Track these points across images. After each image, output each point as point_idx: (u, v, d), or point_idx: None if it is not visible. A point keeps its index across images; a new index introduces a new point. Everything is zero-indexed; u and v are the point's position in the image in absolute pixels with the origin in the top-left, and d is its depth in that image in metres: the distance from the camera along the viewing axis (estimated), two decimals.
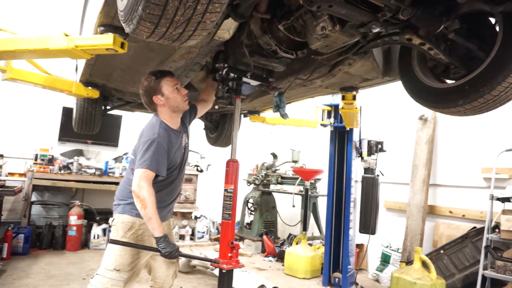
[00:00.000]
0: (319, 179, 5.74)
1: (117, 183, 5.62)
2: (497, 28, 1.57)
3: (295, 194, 5.43)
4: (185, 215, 6.06)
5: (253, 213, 6.30)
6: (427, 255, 3.83)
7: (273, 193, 6.32)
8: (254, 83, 2.39)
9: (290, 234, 5.94)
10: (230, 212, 2.35)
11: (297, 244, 4.94)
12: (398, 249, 4.63)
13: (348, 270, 4.17)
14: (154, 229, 1.87)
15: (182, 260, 4.17)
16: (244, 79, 2.29)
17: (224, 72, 2.19)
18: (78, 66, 3.15)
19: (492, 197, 3.51)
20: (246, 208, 6.43)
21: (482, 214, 3.97)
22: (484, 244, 3.46)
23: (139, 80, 2.69)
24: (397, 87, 2.42)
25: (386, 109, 5.20)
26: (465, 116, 1.80)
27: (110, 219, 2.12)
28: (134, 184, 1.86)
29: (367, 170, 4.13)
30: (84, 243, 5.27)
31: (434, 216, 4.53)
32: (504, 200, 3.39)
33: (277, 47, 1.88)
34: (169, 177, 2.09)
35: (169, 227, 2.34)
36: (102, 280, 1.96)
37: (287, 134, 6.85)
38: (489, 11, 1.51)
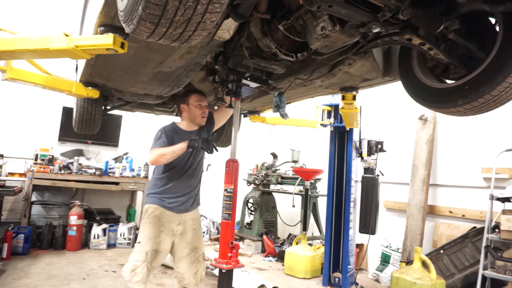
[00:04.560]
0: (319, 179, 5.74)
1: (117, 183, 5.63)
2: (497, 28, 1.57)
3: (295, 194, 5.42)
4: None
5: (253, 213, 6.30)
6: (427, 255, 3.83)
7: (273, 193, 6.31)
8: (253, 85, 2.40)
9: (290, 234, 5.93)
10: (230, 212, 2.36)
11: (297, 244, 4.94)
12: (398, 249, 4.63)
13: (348, 270, 4.17)
14: (180, 149, 2.29)
15: None
16: (244, 81, 2.29)
17: (223, 74, 2.20)
18: (78, 66, 3.15)
19: (492, 197, 3.50)
20: (246, 208, 6.42)
21: (482, 214, 3.97)
22: (484, 244, 3.46)
23: (139, 80, 2.70)
24: (397, 87, 2.42)
25: (386, 109, 5.19)
26: (465, 116, 1.80)
27: None
28: (150, 158, 2.31)
29: (367, 170, 4.12)
30: (84, 243, 5.27)
31: (434, 216, 4.53)
32: (504, 200, 3.39)
33: (277, 50, 1.88)
34: (180, 165, 2.47)
35: (197, 216, 2.60)
36: (132, 255, 2.37)
37: (287, 134, 6.85)
38: (489, 11, 1.51)
